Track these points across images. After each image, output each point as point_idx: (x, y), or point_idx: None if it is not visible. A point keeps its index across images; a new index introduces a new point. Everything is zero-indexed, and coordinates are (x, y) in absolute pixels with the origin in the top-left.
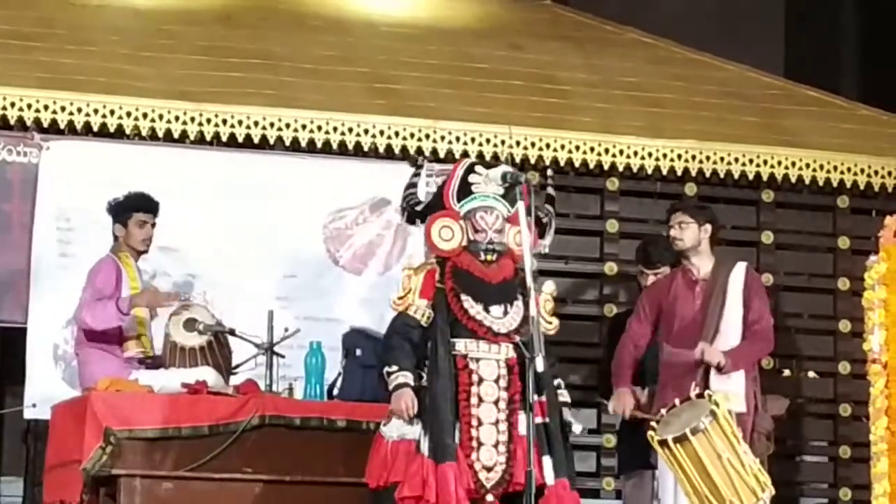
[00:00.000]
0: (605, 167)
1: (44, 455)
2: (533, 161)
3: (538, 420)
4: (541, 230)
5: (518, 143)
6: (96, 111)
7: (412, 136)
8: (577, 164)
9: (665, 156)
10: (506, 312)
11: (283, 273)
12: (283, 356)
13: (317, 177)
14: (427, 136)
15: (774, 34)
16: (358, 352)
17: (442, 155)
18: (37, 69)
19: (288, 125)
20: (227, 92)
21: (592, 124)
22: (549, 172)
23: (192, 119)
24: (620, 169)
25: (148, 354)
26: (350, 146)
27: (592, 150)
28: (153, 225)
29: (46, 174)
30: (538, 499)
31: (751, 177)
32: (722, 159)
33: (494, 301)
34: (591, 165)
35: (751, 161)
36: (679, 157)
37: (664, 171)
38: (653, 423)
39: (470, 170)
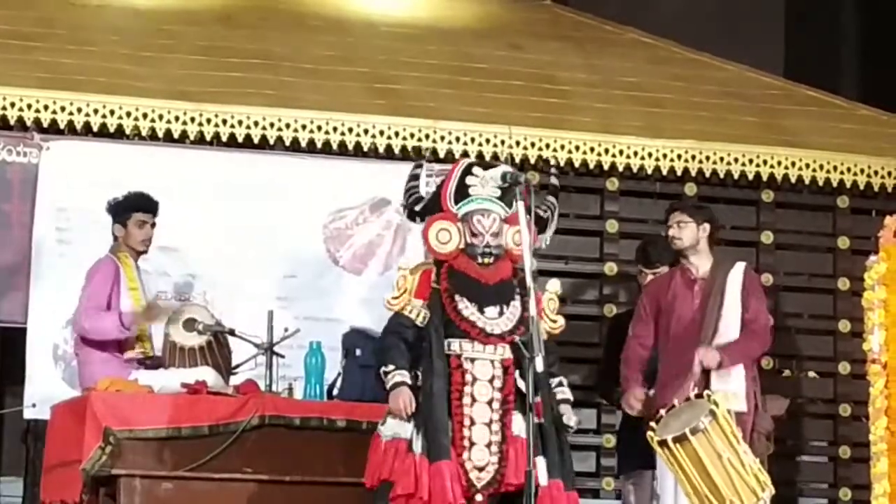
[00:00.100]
0: (605, 167)
1: (43, 455)
2: (533, 161)
3: (534, 420)
4: (541, 226)
5: (518, 143)
6: (96, 111)
7: (412, 136)
8: (576, 164)
9: (665, 156)
10: (501, 313)
11: (283, 273)
12: (282, 356)
13: (317, 177)
14: (427, 136)
15: (774, 34)
16: (358, 352)
17: (442, 155)
18: (37, 69)
19: (288, 125)
20: (226, 92)
21: (592, 124)
22: (553, 162)
23: (192, 119)
24: (620, 169)
25: (148, 355)
26: (350, 146)
27: (592, 150)
28: (153, 225)
29: (46, 174)
30: (523, 500)
31: (751, 177)
32: (722, 159)
33: (490, 302)
34: (591, 165)
35: (751, 161)
36: (679, 157)
37: (664, 172)
38: (652, 424)
39: (467, 171)
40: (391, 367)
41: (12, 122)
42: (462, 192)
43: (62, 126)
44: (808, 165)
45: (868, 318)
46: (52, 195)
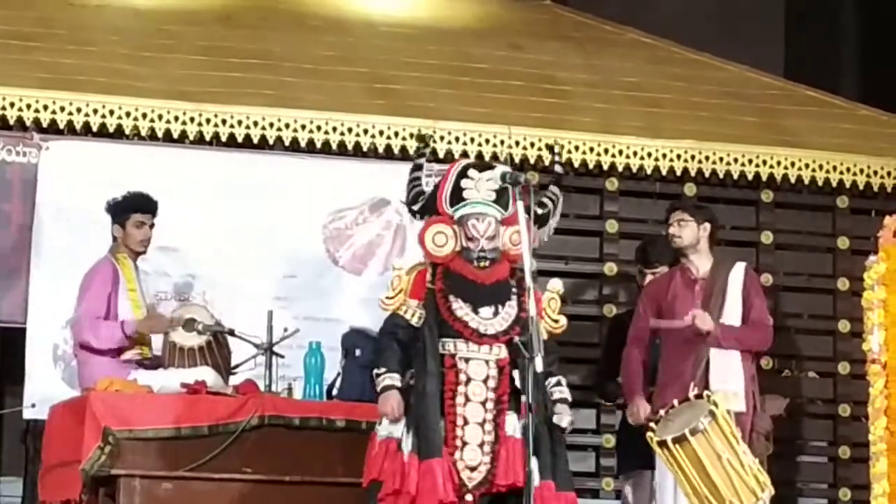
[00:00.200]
0: (605, 167)
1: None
2: (532, 161)
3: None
4: (543, 218)
5: (517, 144)
6: (96, 111)
7: (412, 136)
8: (576, 165)
9: (665, 156)
10: (496, 313)
11: (283, 273)
12: (282, 356)
13: (316, 177)
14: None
15: (774, 34)
16: (357, 352)
17: (442, 155)
18: (36, 69)
19: (287, 125)
20: (226, 92)
21: (592, 124)
22: (557, 149)
23: (192, 119)
24: (620, 169)
25: (146, 356)
26: (350, 146)
27: (592, 150)
28: (151, 226)
29: (46, 174)
30: (519, 500)
31: (750, 177)
32: (721, 159)
33: (485, 302)
34: (591, 165)
35: (750, 161)
36: (678, 157)
37: (664, 172)
38: (651, 424)
39: (462, 174)
40: (382, 370)
41: (12, 122)
42: (457, 195)
43: (62, 126)
44: (807, 165)
45: (868, 318)
46: (51, 195)
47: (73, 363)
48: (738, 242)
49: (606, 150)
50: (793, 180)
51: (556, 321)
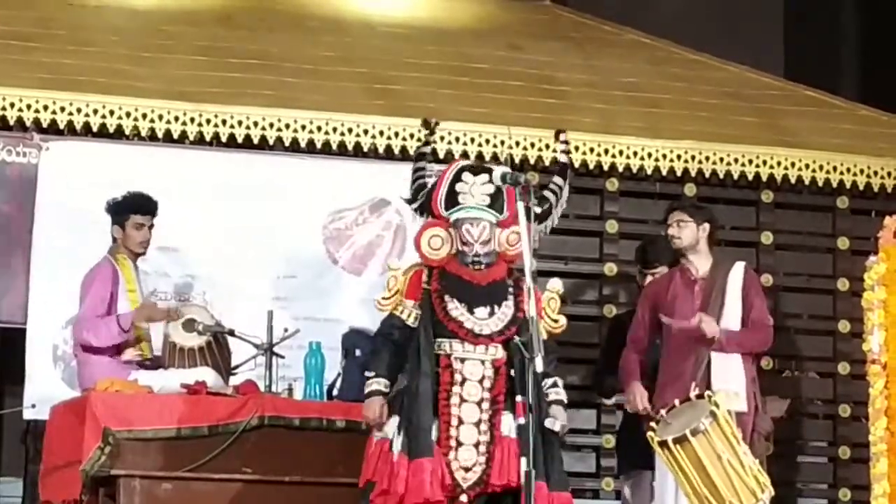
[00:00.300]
0: (605, 168)
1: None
2: (532, 161)
3: (520, 421)
4: (541, 218)
5: (517, 144)
6: (95, 112)
7: (411, 136)
8: (576, 165)
9: (664, 156)
10: (492, 314)
11: (283, 273)
12: (282, 357)
13: (316, 177)
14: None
15: (774, 34)
16: (357, 352)
17: (442, 155)
18: (36, 69)
19: (287, 126)
20: (226, 92)
21: (592, 125)
22: (563, 137)
23: (192, 119)
24: (620, 169)
25: (146, 357)
26: (349, 147)
27: (592, 150)
28: (150, 227)
29: (46, 175)
30: (514, 500)
31: (750, 177)
32: (721, 160)
33: (480, 303)
34: (591, 166)
35: (750, 161)
36: (678, 157)
37: (664, 172)
38: (652, 424)
39: (457, 177)
40: (371, 374)
41: (12, 123)
42: (452, 199)
43: (62, 126)
44: (807, 166)
45: (868, 318)
46: (51, 195)
47: (73, 363)
48: (738, 243)
49: (606, 151)
50: (793, 181)
51: (555, 321)
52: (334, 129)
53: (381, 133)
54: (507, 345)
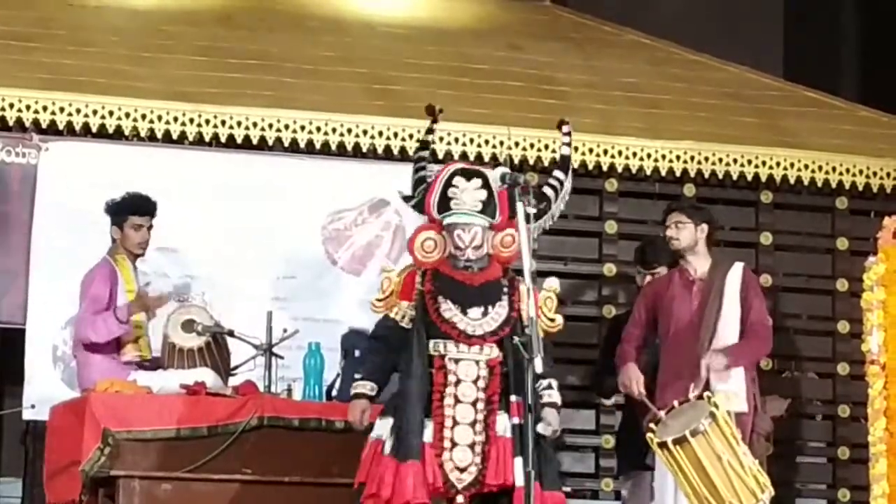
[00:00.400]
0: (604, 168)
1: (43, 456)
2: (532, 161)
3: (515, 421)
4: (539, 216)
5: (517, 144)
6: (95, 112)
7: (411, 136)
8: (575, 165)
9: (664, 157)
10: (485, 314)
11: (282, 274)
12: (281, 357)
13: (316, 178)
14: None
15: (774, 34)
16: (357, 353)
17: (441, 156)
18: (36, 70)
19: (287, 126)
20: (225, 93)
21: (591, 125)
22: (566, 129)
23: (191, 120)
24: (619, 170)
25: (145, 358)
26: (349, 147)
27: (591, 150)
28: (149, 228)
29: (45, 175)
30: (510, 500)
31: (749, 178)
32: (721, 160)
33: (474, 303)
34: (590, 166)
35: (749, 162)
36: (678, 158)
37: (663, 172)
38: (652, 425)
39: (449, 182)
40: (358, 376)
41: (11, 123)
42: (444, 203)
43: (61, 127)
44: (807, 166)
45: (867, 319)
46: (51, 196)
47: (73, 364)
48: (738, 243)
49: (606, 151)
50: (792, 181)
51: (552, 320)
52: (334, 130)
53: (381, 133)
54: (502, 344)
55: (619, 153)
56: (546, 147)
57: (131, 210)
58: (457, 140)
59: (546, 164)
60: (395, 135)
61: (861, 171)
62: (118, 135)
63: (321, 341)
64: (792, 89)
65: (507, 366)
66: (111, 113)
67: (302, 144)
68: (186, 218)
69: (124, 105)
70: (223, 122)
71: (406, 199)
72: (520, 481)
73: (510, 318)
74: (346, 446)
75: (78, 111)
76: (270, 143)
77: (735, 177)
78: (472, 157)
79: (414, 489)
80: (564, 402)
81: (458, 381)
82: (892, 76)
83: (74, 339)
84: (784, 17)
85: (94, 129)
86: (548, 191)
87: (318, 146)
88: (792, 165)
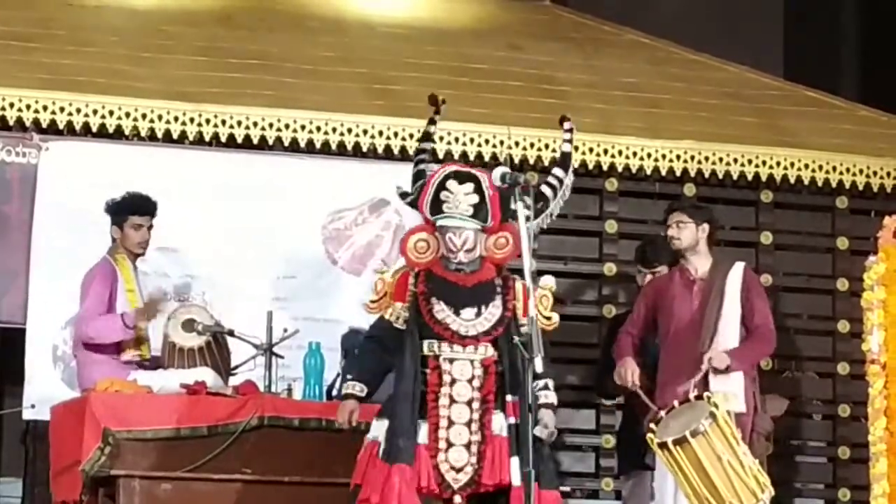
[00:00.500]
0: (604, 168)
1: (43, 456)
2: (532, 161)
3: (511, 420)
4: (536, 214)
5: (517, 144)
6: (95, 112)
7: (411, 136)
8: (576, 165)
9: (664, 156)
10: (479, 314)
11: (282, 274)
12: (282, 357)
13: (316, 177)
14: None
15: (774, 34)
16: (356, 352)
17: (441, 155)
18: (36, 70)
19: (287, 126)
20: (226, 93)
21: (591, 125)
22: (567, 126)
23: (192, 120)
24: (619, 169)
25: (145, 358)
26: (349, 147)
27: (591, 150)
28: (149, 228)
29: (45, 175)
30: (507, 499)
31: (750, 177)
32: (721, 160)
33: (467, 304)
34: (591, 166)
35: (750, 162)
36: (678, 157)
37: (663, 172)
38: (652, 426)
39: (442, 185)
40: (349, 376)
41: (11, 123)
42: (437, 206)
43: (61, 127)
44: (807, 166)
45: (867, 318)
46: (51, 196)
47: (73, 364)
48: (738, 243)
49: (606, 151)
50: (792, 181)
51: (547, 318)
52: (334, 130)
53: (381, 133)
54: (497, 343)
55: (620, 153)
56: (546, 147)
57: (131, 210)
58: (457, 140)
59: (546, 163)
60: (395, 134)
61: (861, 171)
62: (118, 134)
63: (321, 341)
64: (792, 89)
65: (502, 365)
66: (111, 113)
67: (302, 144)
68: (186, 218)
69: (124, 105)
70: (223, 122)
71: (402, 195)
72: (516, 480)
73: (504, 318)
74: (347, 446)
75: (78, 111)
76: (270, 142)
77: (735, 176)
78: (472, 157)
79: (400, 494)
80: (565, 402)
81: (452, 381)
82: (892, 76)
83: (74, 339)
84: (784, 17)
85: (94, 129)
86: (546, 190)
87: (318, 146)
88: (792, 165)
